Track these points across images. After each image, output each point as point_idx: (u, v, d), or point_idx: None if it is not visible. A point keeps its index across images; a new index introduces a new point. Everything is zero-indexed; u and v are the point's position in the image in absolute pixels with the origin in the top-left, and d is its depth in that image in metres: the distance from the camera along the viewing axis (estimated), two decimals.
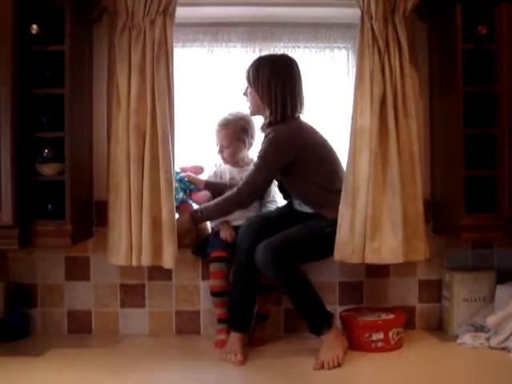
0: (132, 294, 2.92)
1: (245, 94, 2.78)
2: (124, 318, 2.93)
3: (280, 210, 2.89)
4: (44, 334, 2.89)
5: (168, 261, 2.67)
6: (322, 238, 2.66)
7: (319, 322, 2.53)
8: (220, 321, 2.76)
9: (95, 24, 2.86)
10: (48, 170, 2.56)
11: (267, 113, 2.69)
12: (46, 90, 2.56)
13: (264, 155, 2.66)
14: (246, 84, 2.76)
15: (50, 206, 2.54)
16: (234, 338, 2.60)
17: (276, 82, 2.66)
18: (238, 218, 2.82)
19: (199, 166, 2.99)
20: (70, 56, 2.53)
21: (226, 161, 2.95)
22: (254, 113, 2.81)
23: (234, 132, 2.88)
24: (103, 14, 2.80)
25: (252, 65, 2.73)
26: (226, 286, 2.73)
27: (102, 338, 2.84)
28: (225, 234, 2.78)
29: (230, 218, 2.82)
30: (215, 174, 2.98)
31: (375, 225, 2.65)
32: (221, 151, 2.92)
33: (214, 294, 2.76)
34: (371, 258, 2.65)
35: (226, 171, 2.96)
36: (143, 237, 2.65)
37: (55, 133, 2.54)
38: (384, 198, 2.66)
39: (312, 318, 2.56)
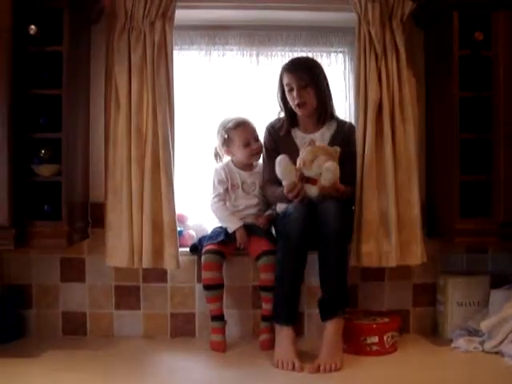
0: (127, 296, 2.91)
1: (301, 95, 2.72)
2: (119, 319, 2.91)
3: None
4: (38, 335, 2.87)
5: (170, 262, 2.68)
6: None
7: (340, 303, 2.48)
8: (214, 318, 2.71)
9: (93, 25, 2.86)
10: (44, 170, 2.56)
11: (328, 107, 2.80)
12: (43, 90, 2.55)
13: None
14: (301, 84, 2.71)
15: (46, 207, 2.54)
16: (283, 336, 2.50)
17: (327, 81, 2.82)
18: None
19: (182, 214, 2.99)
20: (68, 57, 2.53)
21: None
22: (311, 112, 2.79)
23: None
24: (101, 15, 2.80)
25: (308, 66, 2.78)
26: (218, 279, 2.70)
27: (97, 340, 2.83)
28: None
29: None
30: (226, 177, 2.86)
31: (369, 229, 2.66)
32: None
33: (206, 287, 2.71)
34: (364, 262, 2.68)
35: (237, 175, 2.87)
36: (144, 239, 2.66)
37: (52, 134, 2.54)
38: (378, 203, 2.68)
39: (336, 295, 2.48)
